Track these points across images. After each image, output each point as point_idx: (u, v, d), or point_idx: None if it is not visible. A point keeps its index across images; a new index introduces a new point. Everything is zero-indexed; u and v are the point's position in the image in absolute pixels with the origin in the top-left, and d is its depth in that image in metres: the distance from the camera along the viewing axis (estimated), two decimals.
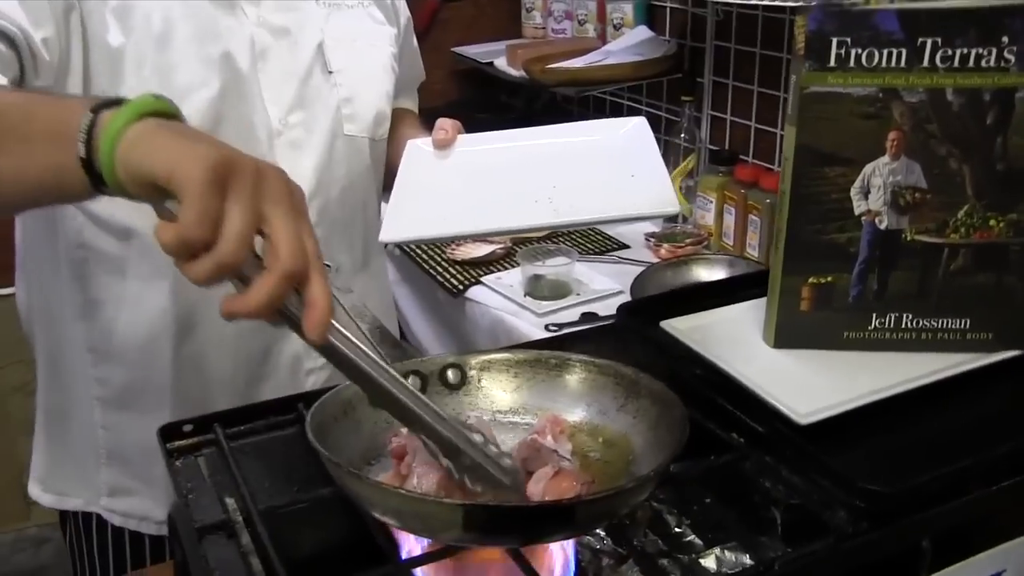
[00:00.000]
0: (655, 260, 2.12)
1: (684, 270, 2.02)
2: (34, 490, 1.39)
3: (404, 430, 0.84)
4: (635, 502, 0.77)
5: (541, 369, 0.94)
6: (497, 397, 0.93)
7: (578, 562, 0.89)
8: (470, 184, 1.24)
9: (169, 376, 1.27)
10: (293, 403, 0.98)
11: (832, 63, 0.92)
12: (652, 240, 2.20)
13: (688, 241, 2.16)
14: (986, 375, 0.98)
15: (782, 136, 1.56)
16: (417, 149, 1.30)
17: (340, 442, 0.84)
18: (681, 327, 1.05)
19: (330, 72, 1.30)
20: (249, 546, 0.80)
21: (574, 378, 0.92)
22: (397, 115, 1.52)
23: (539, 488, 0.78)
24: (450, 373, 0.94)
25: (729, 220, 2.15)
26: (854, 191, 0.96)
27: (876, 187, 0.96)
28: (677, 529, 1.03)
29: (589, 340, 1.11)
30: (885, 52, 0.91)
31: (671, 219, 2.32)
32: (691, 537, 1.02)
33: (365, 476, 0.73)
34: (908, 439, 0.91)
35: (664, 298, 1.24)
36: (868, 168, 0.95)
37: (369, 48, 1.37)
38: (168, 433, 0.94)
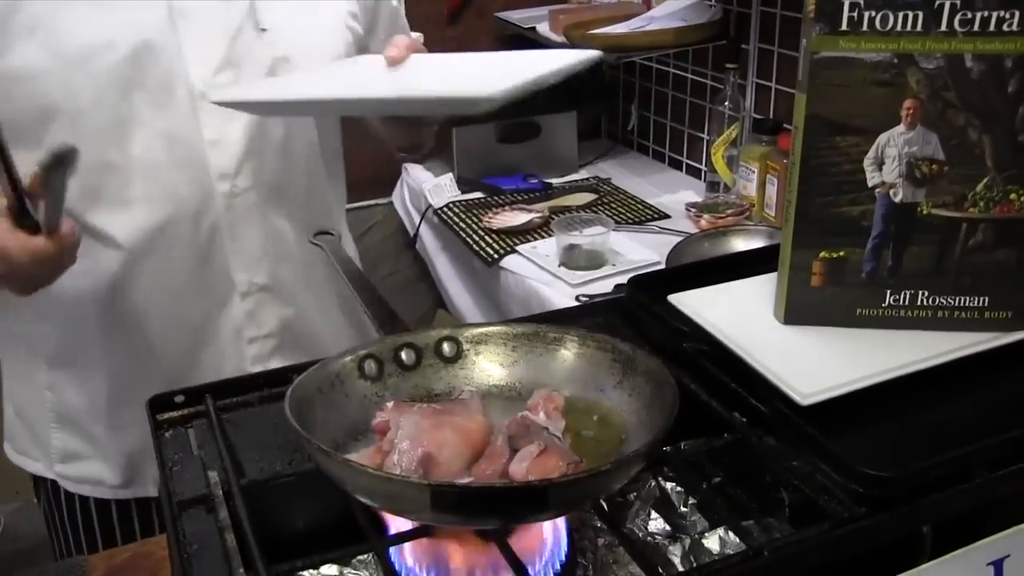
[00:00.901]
0: (695, 231, 2.09)
1: (722, 241, 1.98)
2: (8, 451, 1.42)
3: (390, 405, 0.83)
4: (615, 485, 0.75)
5: (539, 343, 0.91)
6: (493, 371, 0.91)
7: (571, 542, 0.87)
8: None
9: (100, 335, 1.26)
10: (287, 374, 0.96)
11: (844, 26, 0.87)
12: (692, 210, 2.16)
13: (729, 212, 2.12)
14: (1004, 356, 0.94)
15: None
16: (364, 62, 1.25)
17: (325, 416, 0.82)
18: (688, 301, 1.02)
19: (263, 30, 1.23)
20: (226, 521, 0.79)
21: (571, 353, 0.90)
22: None
23: (522, 467, 0.75)
24: (446, 346, 0.92)
25: (771, 191, 2.10)
26: (867, 162, 0.92)
27: (891, 158, 0.92)
28: (683, 508, 1.01)
29: (598, 314, 1.08)
30: (900, 15, 0.86)
31: (713, 189, 2.28)
32: (696, 517, 1.00)
33: (335, 454, 0.71)
34: (916, 421, 0.88)
35: (674, 272, 1.21)
36: (882, 138, 0.91)
37: (313, 5, 1.29)
38: (158, 404, 0.93)
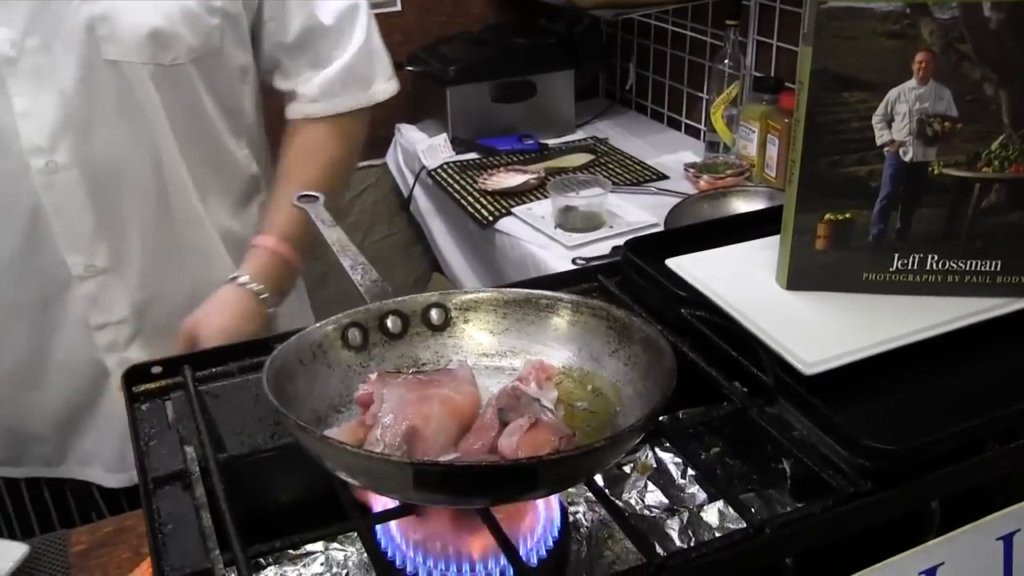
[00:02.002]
0: (694, 192, 2.04)
1: (722, 202, 1.94)
2: None
3: (374, 376, 0.79)
4: (608, 461, 0.72)
5: (531, 310, 0.87)
6: (483, 339, 0.87)
7: (564, 517, 0.83)
8: None
9: None
10: (269, 344, 0.92)
11: None
12: (691, 171, 2.12)
13: (729, 172, 2.07)
14: (1016, 322, 0.90)
15: None
16: None
17: (307, 388, 0.79)
18: (687, 265, 0.98)
19: None
20: (202, 499, 0.75)
21: (565, 320, 0.86)
22: (289, 124, 1.37)
23: (511, 442, 0.72)
24: (433, 313, 0.88)
25: (772, 151, 2.05)
26: (876, 119, 0.87)
27: (901, 115, 0.87)
28: (681, 480, 0.98)
29: (593, 278, 1.04)
30: None
31: (712, 149, 2.24)
32: (694, 489, 0.96)
33: (312, 430, 0.67)
34: (924, 391, 0.84)
35: (671, 234, 1.17)
36: (892, 94, 0.87)
37: None
38: (134, 376, 0.89)
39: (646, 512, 0.94)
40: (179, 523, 0.75)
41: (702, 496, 0.95)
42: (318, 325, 0.83)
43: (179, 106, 1.24)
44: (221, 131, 1.32)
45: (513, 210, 2.03)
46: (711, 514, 0.93)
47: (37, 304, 1.23)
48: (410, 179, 2.47)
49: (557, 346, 0.85)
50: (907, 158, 0.88)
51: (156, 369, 0.91)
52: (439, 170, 2.30)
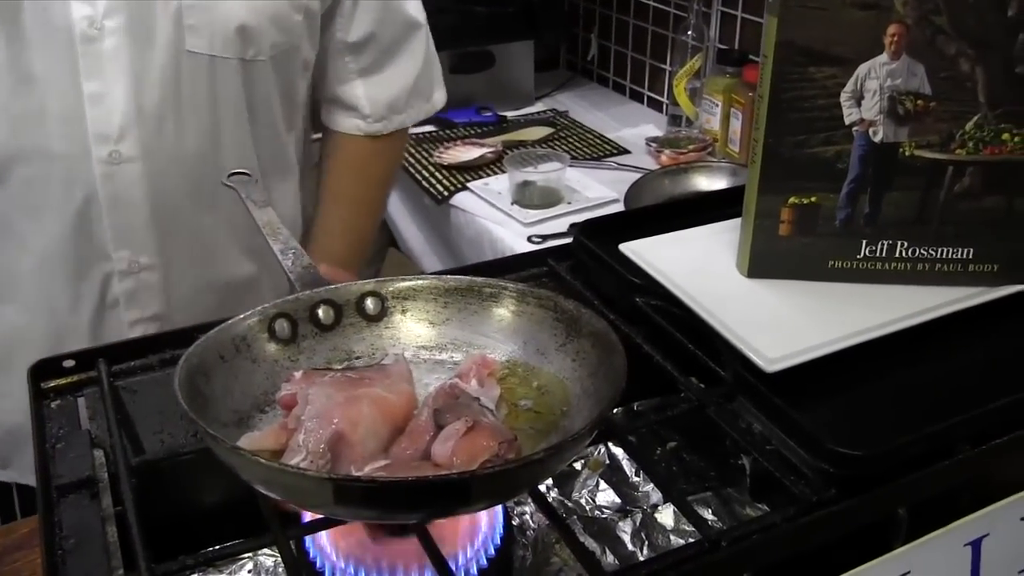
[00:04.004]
0: (655, 167, 1.99)
1: (683, 178, 1.90)
2: None
3: (298, 374, 0.73)
4: (550, 472, 0.66)
5: (473, 299, 0.81)
6: (422, 331, 0.81)
7: (507, 522, 0.78)
8: None
9: None
10: (192, 335, 0.86)
11: None
12: (653, 145, 2.06)
13: (691, 147, 2.02)
14: (988, 313, 0.85)
15: None
16: None
17: (228, 387, 0.72)
18: (642, 250, 0.92)
19: None
20: (109, 510, 0.69)
21: (509, 311, 0.80)
22: (337, 138, 1.34)
23: (446, 448, 0.66)
24: (368, 302, 0.81)
25: (736, 125, 2.00)
26: (845, 97, 0.82)
27: (871, 92, 0.81)
28: (635, 478, 0.93)
29: (543, 263, 0.98)
30: None
31: (675, 123, 2.18)
32: (648, 488, 0.91)
33: (223, 439, 0.61)
34: (892, 388, 0.79)
35: (627, 216, 1.11)
36: (862, 69, 0.81)
37: None
38: (43, 370, 0.82)
39: (597, 513, 0.89)
40: (83, 537, 0.68)
41: (656, 496, 0.90)
42: (242, 316, 0.77)
43: (253, 102, 1.18)
44: (281, 127, 1.26)
45: (469, 185, 1.97)
46: (666, 515, 0.88)
47: (76, 299, 1.16)
48: None
49: (501, 339, 0.79)
50: (877, 138, 0.83)
51: (68, 363, 0.84)
52: None
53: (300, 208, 1.35)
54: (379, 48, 1.31)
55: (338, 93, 1.33)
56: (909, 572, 0.72)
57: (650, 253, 0.92)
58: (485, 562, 0.74)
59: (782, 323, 0.83)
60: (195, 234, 1.20)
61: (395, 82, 1.34)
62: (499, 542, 0.76)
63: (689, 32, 2.12)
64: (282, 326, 0.78)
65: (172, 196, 1.15)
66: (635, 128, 2.26)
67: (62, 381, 0.82)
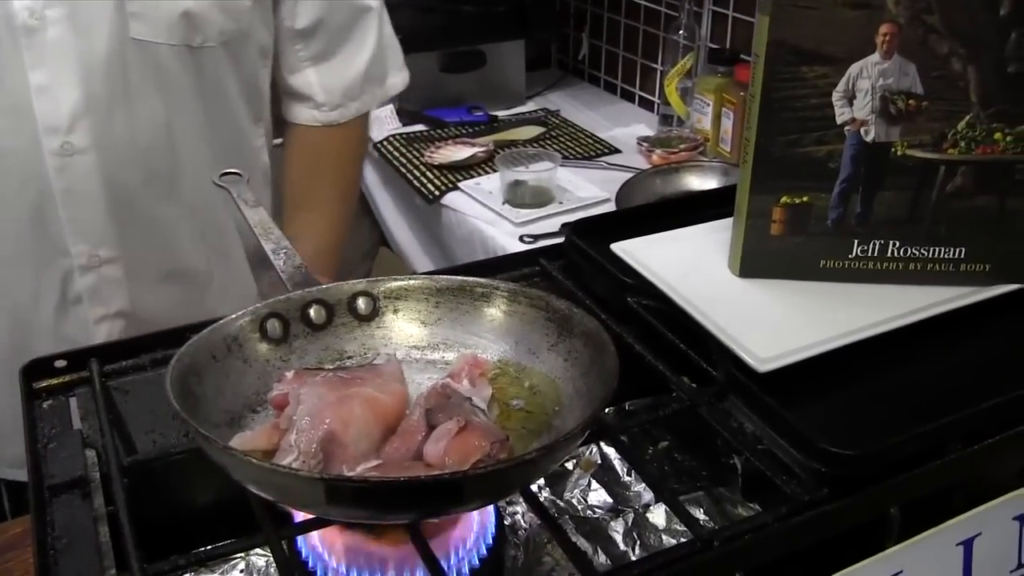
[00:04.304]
0: (647, 166, 1.99)
1: (675, 178, 1.89)
2: None
3: (290, 374, 0.73)
4: (542, 472, 0.65)
5: (465, 299, 0.81)
6: (413, 330, 0.81)
7: (499, 521, 0.78)
8: None
9: None
10: (184, 334, 0.85)
11: None
12: (644, 145, 2.06)
13: (682, 147, 2.02)
14: (980, 312, 0.85)
15: None
16: None
17: (220, 387, 0.72)
18: (633, 250, 0.92)
19: None
20: (101, 510, 0.69)
21: (501, 311, 0.80)
22: (296, 131, 1.32)
23: (438, 448, 0.65)
24: (360, 302, 0.81)
25: (727, 124, 2.00)
26: (836, 96, 0.82)
27: (863, 92, 0.81)
28: (627, 478, 0.93)
29: (535, 262, 0.98)
30: None
31: (666, 122, 2.18)
32: (640, 488, 0.91)
33: (215, 440, 0.61)
34: (885, 387, 0.79)
35: (618, 216, 1.11)
36: (854, 68, 0.81)
37: None
38: (35, 370, 0.82)
39: (589, 513, 0.89)
40: (75, 537, 0.68)
41: (648, 495, 0.90)
42: (234, 316, 0.76)
43: (205, 90, 1.17)
44: (242, 117, 1.24)
45: (460, 184, 1.96)
46: (657, 515, 0.88)
47: (37, 296, 1.14)
48: None
49: (493, 338, 0.79)
50: (869, 138, 0.83)
51: (60, 363, 0.83)
52: (385, 142, 2.22)
53: (271, 205, 1.34)
54: (329, 34, 1.29)
55: (291, 82, 1.31)
56: (901, 572, 0.72)
57: (642, 253, 0.91)
58: (477, 562, 0.74)
59: (774, 323, 0.83)
60: (155, 225, 1.18)
61: (348, 68, 1.32)
62: (491, 542, 0.75)
63: (680, 31, 2.11)
64: (274, 326, 0.77)
65: (128, 186, 1.14)
66: (626, 128, 2.25)
67: (54, 381, 0.82)
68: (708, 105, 2.03)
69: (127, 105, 1.10)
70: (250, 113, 1.25)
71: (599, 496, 0.91)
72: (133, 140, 1.12)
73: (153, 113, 1.13)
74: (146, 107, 1.12)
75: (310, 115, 1.33)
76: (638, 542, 0.86)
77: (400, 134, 2.24)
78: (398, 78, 1.42)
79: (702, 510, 0.89)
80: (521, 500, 0.85)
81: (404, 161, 2.11)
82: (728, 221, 0.91)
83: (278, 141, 1.40)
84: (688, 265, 0.90)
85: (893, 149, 0.83)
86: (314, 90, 1.32)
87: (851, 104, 0.82)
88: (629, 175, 1.89)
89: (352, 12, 1.31)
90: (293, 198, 1.35)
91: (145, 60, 1.10)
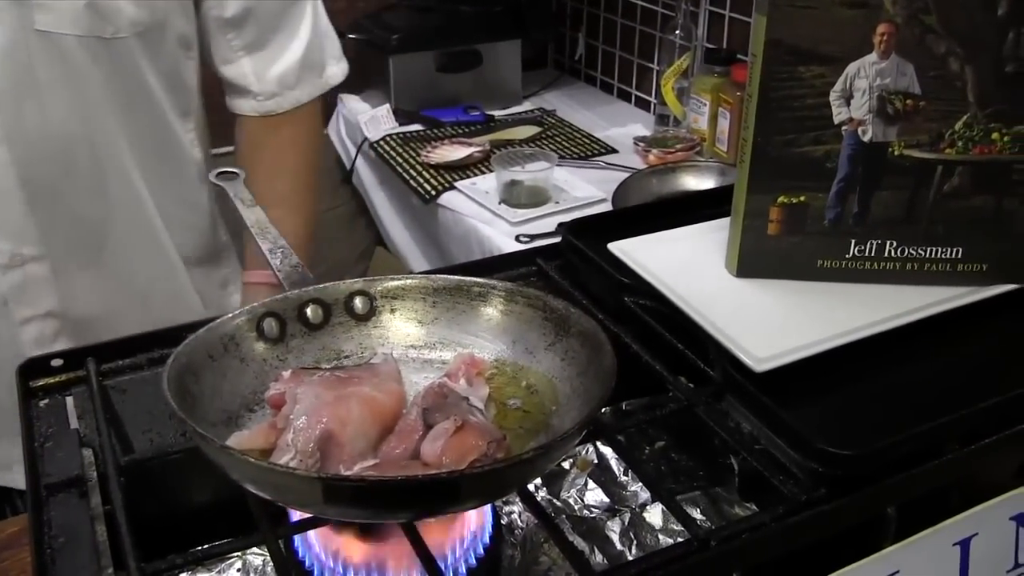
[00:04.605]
0: (643, 166, 1.99)
1: (671, 178, 1.89)
2: None
3: (287, 373, 0.73)
4: (539, 472, 0.65)
5: (462, 298, 0.81)
6: (410, 330, 0.81)
7: (496, 520, 0.78)
8: None
9: None
10: (181, 334, 0.85)
11: None
12: (641, 144, 2.06)
13: (679, 147, 2.02)
14: (977, 312, 0.85)
15: None
16: None
17: (216, 386, 0.72)
18: (630, 250, 0.92)
19: None
20: (98, 508, 0.68)
21: (498, 310, 0.80)
22: (239, 124, 1.31)
23: (435, 448, 0.65)
24: (357, 301, 0.81)
25: (724, 124, 2.00)
26: (834, 96, 0.82)
27: (860, 91, 0.81)
28: (623, 477, 0.93)
29: (532, 262, 0.97)
30: None
31: (662, 122, 2.18)
32: (636, 487, 0.91)
33: (212, 439, 0.60)
34: (882, 387, 0.79)
35: (615, 216, 1.11)
36: (851, 68, 0.81)
37: None
38: (32, 369, 0.81)
39: (586, 512, 0.89)
40: (72, 536, 0.68)
41: (645, 495, 0.90)
42: (230, 315, 0.76)
43: (121, 82, 1.14)
44: (166, 111, 1.22)
45: (456, 184, 1.96)
46: (654, 514, 0.88)
47: None
48: (352, 151, 2.39)
49: (490, 338, 0.79)
50: (866, 138, 0.83)
51: (56, 362, 0.83)
52: (381, 142, 2.22)
53: (208, 203, 1.34)
54: (259, 22, 1.27)
55: (226, 73, 1.30)
56: (898, 572, 0.72)
57: (638, 252, 0.91)
58: (474, 561, 0.74)
59: (771, 322, 0.83)
60: (82, 223, 1.17)
61: (282, 56, 1.30)
62: (488, 541, 0.75)
63: (677, 31, 2.11)
64: (270, 325, 0.77)
65: (47, 182, 1.12)
66: (623, 127, 2.25)
67: (50, 380, 0.82)
68: (705, 105, 2.03)
69: (36, 97, 1.08)
70: (175, 107, 1.23)
71: (596, 496, 0.91)
72: (47, 134, 1.10)
73: (65, 105, 1.10)
74: (57, 100, 1.09)
75: (249, 106, 1.32)
76: (635, 542, 0.86)
77: (396, 134, 2.24)
78: (337, 68, 1.39)
79: (699, 510, 0.89)
80: (518, 499, 0.85)
81: (400, 161, 2.11)
82: (725, 220, 0.91)
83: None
84: (685, 265, 0.90)
85: (890, 149, 0.83)
86: (249, 80, 1.30)
87: (848, 104, 0.82)
88: (625, 175, 1.89)
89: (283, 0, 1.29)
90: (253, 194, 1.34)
91: (51, 52, 1.07)
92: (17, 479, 1.28)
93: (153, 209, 1.23)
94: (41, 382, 0.82)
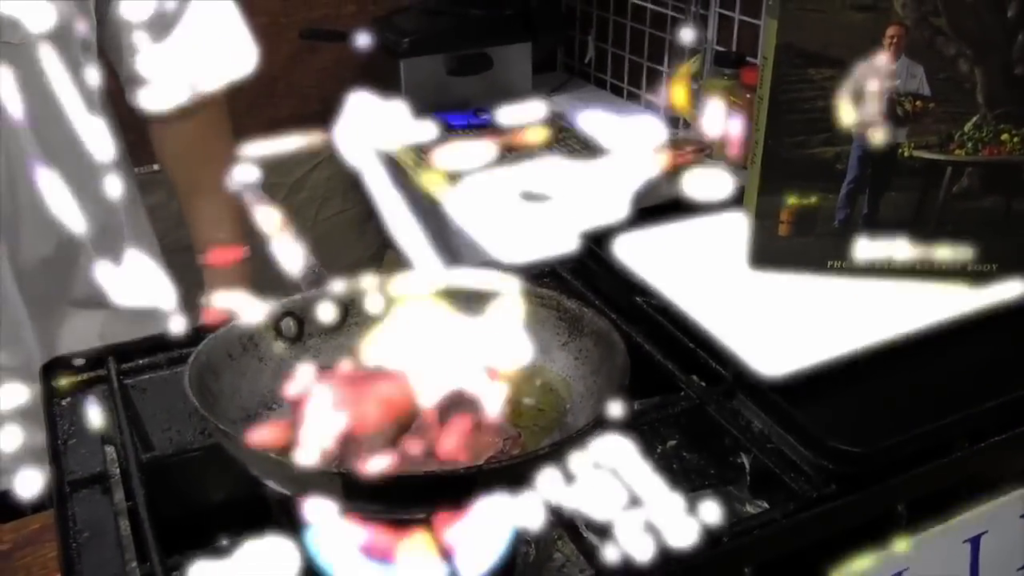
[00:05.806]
0: (655, 168, 1.99)
1: (682, 179, 1.89)
2: None
3: (305, 371, 0.73)
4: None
5: (476, 298, 0.82)
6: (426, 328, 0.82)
7: None
8: None
9: None
10: (200, 333, 0.86)
11: None
12: (651, 147, 2.06)
13: (690, 148, 2.02)
14: (988, 312, 0.86)
15: None
16: None
17: (236, 385, 0.73)
18: (641, 252, 0.92)
19: None
20: (121, 504, 0.70)
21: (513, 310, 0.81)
22: (150, 124, 1.31)
23: (452, 444, 0.66)
24: (372, 301, 0.82)
25: (734, 127, 2.00)
26: (844, 98, 0.82)
27: (870, 93, 0.82)
28: (636, 475, 0.93)
29: (545, 262, 0.99)
30: None
31: (673, 125, 2.19)
32: (648, 485, 0.91)
33: (235, 436, 0.62)
34: (891, 387, 0.79)
35: (627, 217, 1.11)
36: (861, 71, 0.82)
37: None
38: (54, 369, 0.83)
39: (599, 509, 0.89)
40: (96, 531, 0.69)
41: (657, 492, 0.90)
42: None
43: (30, 88, 1.11)
44: (74, 114, 1.19)
45: (467, 187, 1.97)
46: (667, 512, 0.89)
47: None
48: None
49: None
50: (876, 139, 0.84)
51: (78, 361, 0.84)
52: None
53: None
54: (160, 18, 1.25)
55: (128, 70, 1.28)
56: (908, 568, 0.73)
57: (649, 255, 0.92)
58: None
59: (781, 328, 0.83)
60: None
61: (184, 51, 1.28)
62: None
63: (687, 34, 2.12)
64: (288, 325, 0.79)
65: None
66: (633, 130, 2.26)
67: (73, 379, 0.83)
68: (715, 107, 2.03)
69: None
70: (83, 109, 1.20)
71: (609, 493, 0.91)
72: None
73: None
74: None
75: (150, 100, 1.29)
76: (648, 539, 0.86)
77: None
78: (241, 61, 1.35)
79: (710, 507, 0.90)
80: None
81: (411, 163, 2.12)
82: (732, 217, 0.92)
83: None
84: (695, 268, 0.91)
85: (900, 150, 0.84)
86: (148, 74, 1.27)
87: (858, 106, 0.83)
88: (636, 177, 1.90)
89: None
90: (177, 188, 1.36)
91: None
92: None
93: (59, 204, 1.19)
94: (64, 381, 0.83)
